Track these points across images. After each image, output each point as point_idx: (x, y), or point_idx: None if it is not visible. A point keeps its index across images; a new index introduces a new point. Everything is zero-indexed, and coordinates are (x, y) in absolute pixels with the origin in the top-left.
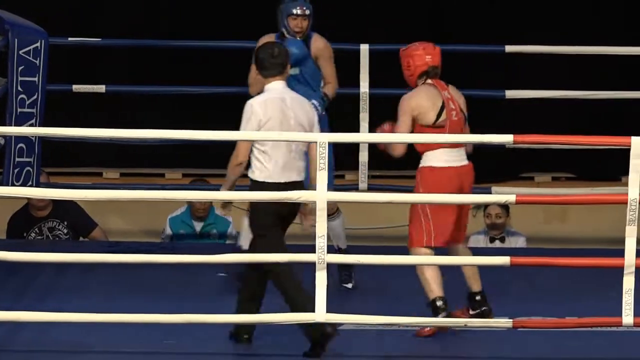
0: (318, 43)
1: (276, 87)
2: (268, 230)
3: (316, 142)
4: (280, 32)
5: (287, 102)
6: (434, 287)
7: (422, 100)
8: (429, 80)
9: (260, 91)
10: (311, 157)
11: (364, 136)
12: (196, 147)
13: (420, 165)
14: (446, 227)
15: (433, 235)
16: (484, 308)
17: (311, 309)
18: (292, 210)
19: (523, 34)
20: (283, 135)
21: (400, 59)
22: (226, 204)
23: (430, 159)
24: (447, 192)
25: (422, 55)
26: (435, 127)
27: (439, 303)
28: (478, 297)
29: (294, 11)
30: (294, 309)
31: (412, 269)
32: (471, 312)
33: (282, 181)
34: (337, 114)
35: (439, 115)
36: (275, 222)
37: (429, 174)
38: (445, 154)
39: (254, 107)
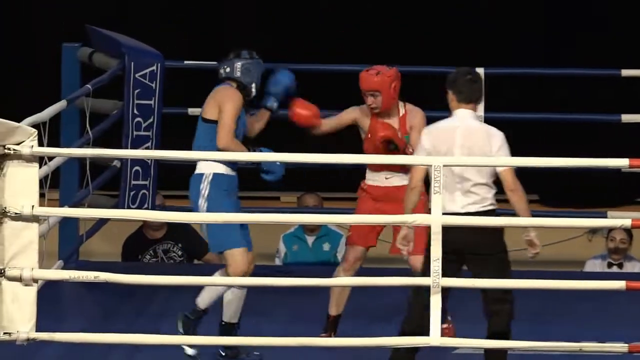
0: None
1: (459, 115)
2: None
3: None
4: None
5: (457, 130)
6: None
7: None
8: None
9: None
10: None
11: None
12: (311, 170)
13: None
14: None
15: None
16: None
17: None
18: (469, 243)
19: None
20: (394, 159)
21: (379, 83)
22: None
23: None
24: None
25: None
26: None
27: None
28: None
29: None
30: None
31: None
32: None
33: (456, 211)
34: None
35: None
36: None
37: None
38: None
39: (422, 136)
